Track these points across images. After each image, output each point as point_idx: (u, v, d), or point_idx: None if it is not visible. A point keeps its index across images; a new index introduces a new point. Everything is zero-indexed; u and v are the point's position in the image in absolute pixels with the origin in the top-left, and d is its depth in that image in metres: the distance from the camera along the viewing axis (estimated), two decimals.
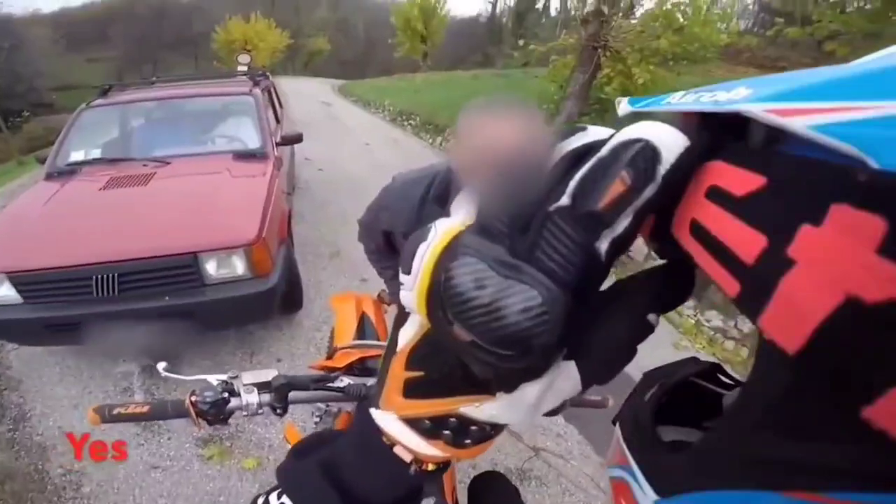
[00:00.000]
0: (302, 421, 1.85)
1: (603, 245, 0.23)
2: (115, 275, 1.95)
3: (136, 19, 33.02)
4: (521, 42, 9.42)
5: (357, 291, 1.60)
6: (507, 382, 0.29)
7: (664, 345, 3.16)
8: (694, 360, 0.39)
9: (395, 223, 1.13)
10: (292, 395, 0.72)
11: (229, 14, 26.63)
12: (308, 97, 12.80)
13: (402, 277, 0.27)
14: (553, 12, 30.58)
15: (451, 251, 0.25)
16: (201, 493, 1.81)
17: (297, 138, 3.29)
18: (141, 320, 1.99)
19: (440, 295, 0.24)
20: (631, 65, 5.90)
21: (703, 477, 0.25)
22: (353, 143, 7.51)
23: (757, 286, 0.20)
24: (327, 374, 0.80)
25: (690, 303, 3.76)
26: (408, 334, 0.31)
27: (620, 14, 6.55)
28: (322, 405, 0.91)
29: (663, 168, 0.23)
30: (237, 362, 2.40)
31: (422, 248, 0.26)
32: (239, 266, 2.04)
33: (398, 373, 0.32)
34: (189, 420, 0.67)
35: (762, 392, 0.23)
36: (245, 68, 5.50)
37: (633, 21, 6.60)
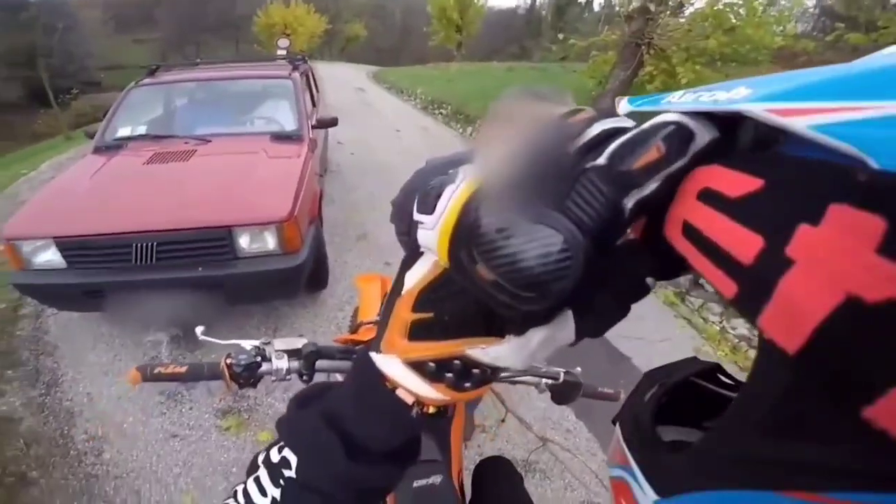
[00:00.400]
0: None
1: (630, 202, 0.24)
2: (154, 244, 2.03)
3: (181, 2, 33.96)
4: (560, 36, 9.23)
5: (382, 273, 1.64)
6: (521, 325, 0.30)
7: (686, 350, 3.11)
8: (694, 360, 0.39)
9: None
10: (319, 363, 0.75)
11: None
12: (343, 82, 12.93)
13: (421, 217, 0.28)
14: (596, 7, 29.82)
15: (479, 193, 0.26)
16: (215, 462, 1.86)
17: (332, 122, 3.35)
18: (174, 289, 2.08)
19: (466, 235, 0.25)
20: (675, 64, 5.71)
21: (703, 477, 0.25)
22: (385, 130, 7.57)
23: (755, 286, 0.20)
24: (352, 346, 0.83)
25: (717, 309, 3.67)
26: (416, 276, 0.32)
27: (668, 12, 6.33)
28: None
29: (695, 147, 0.24)
30: (262, 337, 2.50)
31: (448, 189, 0.27)
32: (270, 241, 2.11)
33: (404, 315, 0.32)
34: (223, 382, 0.71)
35: (762, 392, 0.23)
36: (284, 52, 5.61)
37: (681, 19, 6.36)
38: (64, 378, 2.29)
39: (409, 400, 0.34)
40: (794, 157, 0.20)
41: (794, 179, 0.20)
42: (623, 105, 0.32)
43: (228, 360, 0.70)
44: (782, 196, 0.20)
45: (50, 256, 2.07)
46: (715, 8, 5.91)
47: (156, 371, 0.74)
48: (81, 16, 28.06)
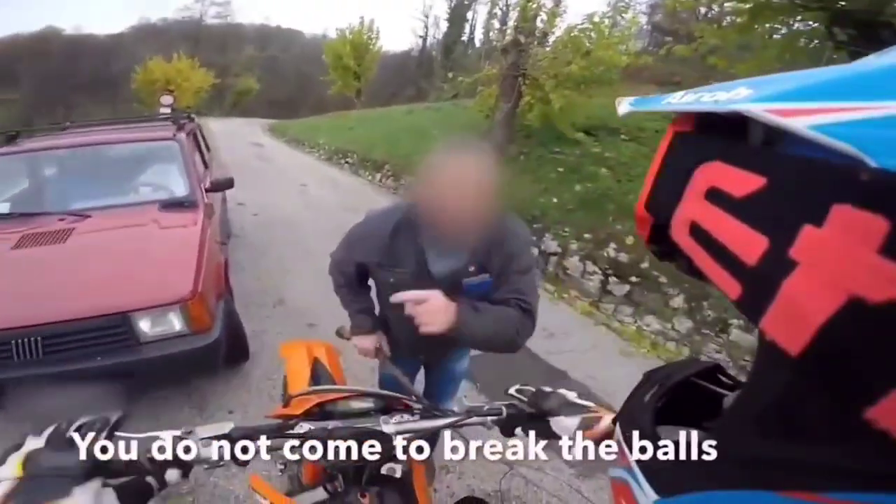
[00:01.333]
0: (265, 469, 1.77)
1: None
2: (38, 338, 1.81)
3: (47, 57, 30.70)
4: (449, 75, 9.72)
5: (306, 338, 1.58)
6: None
7: (612, 353, 3.33)
8: (694, 360, 0.41)
9: (370, 254, 1.22)
10: (253, 445, 0.71)
11: (150, 54, 25.61)
12: (238, 138, 12.48)
13: None
14: (477, 44, 32.16)
15: None
16: None
17: (228, 183, 3.19)
18: (71, 382, 1.84)
19: None
20: (548, 91, 6.26)
21: (703, 477, 0.25)
22: (289, 185, 7.40)
23: (759, 288, 0.20)
24: (286, 421, 0.80)
25: (628, 310, 4.01)
26: None
27: (536, 42, 6.92)
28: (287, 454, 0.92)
29: None
30: (185, 419, 2.26)
31: None
32: (176, 323, 1.95)
33: None
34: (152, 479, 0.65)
35: (762, 392, 0.23)
36: (168, 110, 5.29)
37: (546, 48, 6.92)
38: None
39: None
40: (796, 155, 0.20)
41: (797, 179, 0.20)
42: (623, 106, 0.32)
43: (148, 455, 0.64)
44: (786, 196, 0.20)
45: None
46: (572, 35, 6.56)
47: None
48: None
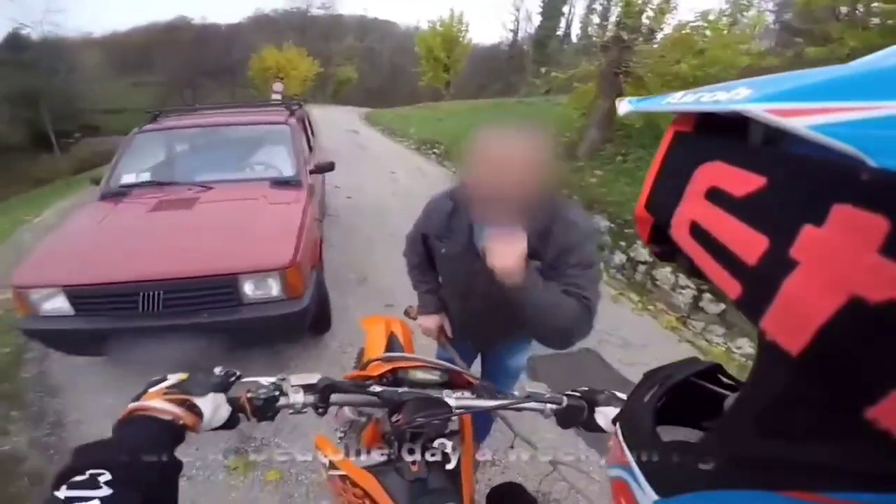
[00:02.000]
0: (327, 435, 1.91)
1: None
2: (160, 292, 2.07)
3: (178, 45, 34.82)
4: (542, 69, 9.53)
5: (384, 314, 1.67)
6: None
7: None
8: (694, 360, 0.40)
9: (431, 227, 1.29)
10: (334, 396, 0.79)
11: (263, 43, 27.81)
12: (337, 125, 13.22)
13: None
14: (574, 39, 31.00)
15: None
16: (223, 502, 1.86)
17: (329, 167, 3.46)
18: (180, 335, 2.10)
19: None
20: (652, 90, 5.92)
21: (703, 477, 0.25)
22: (380, 172, 7.71)
23: (759, 287, 0.20)
24: (362, 381, 0.87)
25: (720, 330, 3.70)
26: None
27: (641, 39, 6.58)
28: (351, 415, 0.98)
29: None
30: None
31: None
32: (274, 287, 2.15)
33: None
34: (242, 415, 0.74)
35: (762, 392, 0.23)
36: (279, 96, 5.77)
37: (654, 46, 6.59)
38: (68, 419, 2.29)
39: None
40: (796, 155, 0.20)
41: (797, 178, 0.20)
42: (623, 105, 0.33)
43: (248, 395, 0.72)
44: (786, 195, 0.20)
45: (58, 304, 2.10)
46: (683, 32, 6.14)
47: None
48: (82, 57, 28.32)
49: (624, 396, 0.85)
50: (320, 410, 0.78)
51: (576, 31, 31.58)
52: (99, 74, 28.75)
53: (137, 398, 0.62)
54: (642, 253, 4.60)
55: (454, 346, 1.45)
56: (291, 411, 0.76)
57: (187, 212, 2.59)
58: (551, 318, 1.07)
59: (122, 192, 2.93)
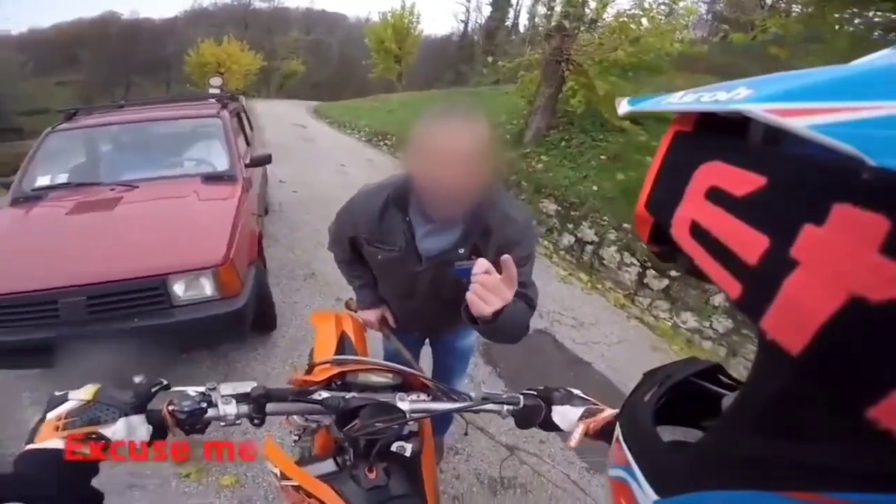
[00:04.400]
0: (280, 438, 1.85)
1: None
2: (83, 298, 1.94)
3: (107, 41, 32.57)
4: (489, 59, 9.58)
5: (336, 309, 1.62)
6: None
7: (642, 348, 3.25)
8: (694, 360, 0.40)
9: (360, 229, 1.19)
10: (270, 406, 0.74)
11: (201, 37, 26.57)
12: (283, 119, 12.80)
13: None
14: (522, 29, 31.40)
15: None
16: None
17: (266, 159, 3.32)
18: (109, 342, 1.97)
19: None
20: (592, 77, 6.10)
21: (703, 477, 0.25)
22: (329, 165, 7.56)
23: (759, 287, 0.20)
24: (306, 387, 0.82)
25: (665, 305, 3.88)
26: None
27: (583, 28, 6.76)
28: (300, 421, 0.93)
29: None
30: (210, 382, 2.40)
31: None
32: (207, 287, 2.05)
33: None
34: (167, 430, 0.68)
35: (762, 392, 0.23)
36: (217, 90, 5.50)
37: (594, 35, 6.80)
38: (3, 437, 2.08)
39: None
40: (796, 155, 0.20)
41: (797, 178, 0.20)
42: (623, 106, 0.32)
43: (171, 407, 0.68)
44: (787, 195, 0.20)
45: None
46: (620, 20, 6.34)
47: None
48: None
49: (579, 393, 0.85)
50: (255, 422, 0.73)
51: (524, 21, 31.99)
52: (16, 74, 26.50)
53: (33, 433, 0.56)
54: (588, 234, 4.75)
55: (399, 335, 1.41)
56: (223, 423, 0.71)
57: (109, 213, 2.42)
58: (513, 330, 1.04)
59: (35, 196, 2.71)
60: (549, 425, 0.84)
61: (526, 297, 1.08)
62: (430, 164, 0.92)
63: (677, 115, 0.30)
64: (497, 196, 1.09)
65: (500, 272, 1.01)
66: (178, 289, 2.02)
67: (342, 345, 1.33)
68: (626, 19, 6.30)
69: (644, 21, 6.21)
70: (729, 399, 0.35)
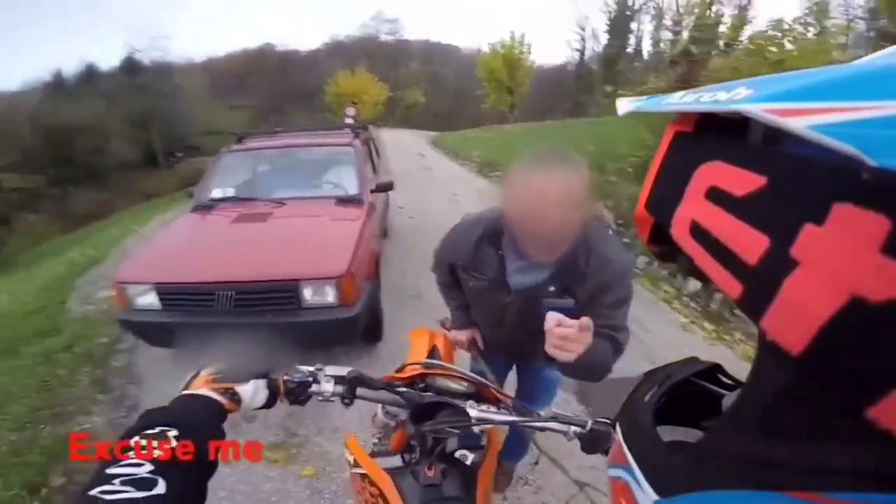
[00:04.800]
0: (364, 440, 2.00)
1: None
2: (233, 293, 2.34)
3: (265, 71, 37.82)
4: (608, 88, 9.26)
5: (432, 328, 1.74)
6: None
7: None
8: (694, 360, 0.40)
9: (458, 256, 1.26)
10: (360, 390, 0.84)
11: (338, 68, 29.24)
12: (405, 148, 13.65)
13: None
14: (645, 56, 29.89)
15: None
16: (258, 491, 2.00)
17: (389, 186, 3.69)
18: (246, 333, 2.33)
19: None
20: None
21: (703, 477, 0.25)
22: (442, 193, 7.87)
23: (760, 287, 0.20)
24: (392, 382, 0.91)
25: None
26: None
27: (714, 53, 6.28)
28: (383, 418, 1.03)
29: None
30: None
31: None
32: (330, 294, 2.35)
33: None
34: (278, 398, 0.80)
35: (763, 392, 0.23)
36: (352, 120, 6.15)
37: (727, 59, 6.27)
38: (143, 404, 2.55)
39: None
40: (796, 155, 0.20)
41: (797, 178, 0.20)
42: (623, 105, 0.33)
43: (285, 377, 0.79)
44: (787, 195, 0.20)
45: (149, 299, 2.44)
46: (757, 42, 5.81)
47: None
48: (183, 82, 31.36)
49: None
50: (346, 401, 0.83)
51: (647, 47, 30.50)
52: (199, 98, 31.63)
53: (186, 386, 0.72)
54: None
55: (486, 358, 1.45)
56: (321, 398, 0.81)
57: (262, 224, 2.90)
58: (595, 370, 1.05)
59: (210, 205, 3.32)
60: None
61: (614, 339, 1.07)
62: (523, 207, 0.95)
63: (677, 116, 0.30)
64: (595, 237, 1.09)
65: (593, 315, 1.02)
66: (307, 293, 2.34)
67: (432, 356, 1.39)
68: (762, 42, 5.74)
69: (787, 43, 5.60)
70: (729, 399, 0.34)
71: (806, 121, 0.18)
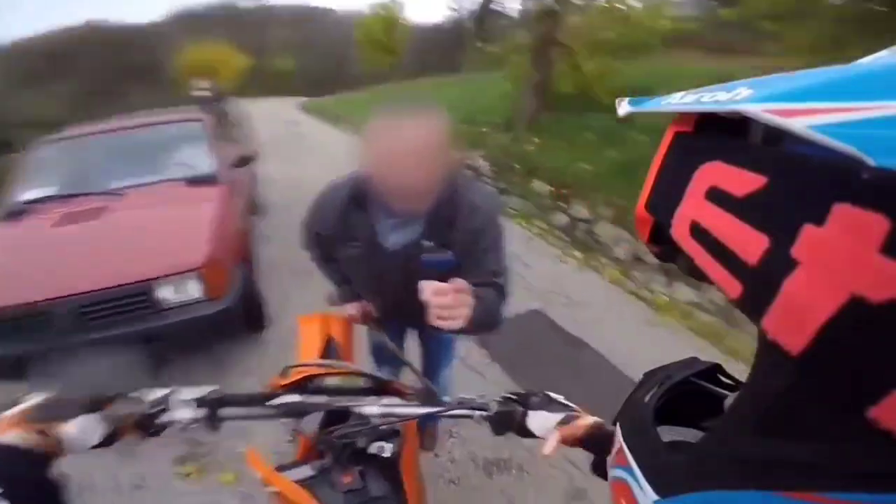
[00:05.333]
0: (265, 443, 1.89)
1: None
2: (72, 308, 1.97)
3: (96, 49, 32.40)
4: (479, 45, 9.47)
5: (326, 312, 1.56)
6: None
7: (638, 323, 3.23)
8: (694, 360, 0.40)
9: (326, 226, 1.19)
10: (226, 411, 0.74)
11: (189, 39, 26.49)
12: (275, 118, 12.71)
13: None
14: (515, 13, 30.78)
15: None
16: None
17: (249, 159, 3.32)
18: (102, 350, 2.01)
19: None
20: (582, 59, 6.06)
21: (703, 477, 0.25)
22: (322, 160, 7.49)
23: (760, 287, 0.20)
24: (272, 391, 0.81)
25: (662, 279, 3.79)
26: None
27: (570, 11, 6.70)
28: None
29: None
30: (207, 383, 2.41)
31: None
32: (192, 289, 2.07)
33: None
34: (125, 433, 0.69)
35: (763, 392, 0.23)
36: (204, 93, 5.48)
37: (583, 16, 6.75)
38: None
39: None
40: (796, 155, 0.20)
41: (797, 178, 0.20)
42: (623, 106, 0.32)
43: (126, 411, 0.68)
44: (787, 195, 0.20)
45: None
46: (608, 2, 6.34)
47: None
48: None
49: (559, 398, 0.82)
50: (213, 427, 0.73)
51: (517, 4, 31.40)
52: (4, 86, 26.38)
53: None
54: (582, 211, 4.74)
55: (384, 327, 1.41)
56: (179, 426, 0.71)
57: (95, 222, 2.44)
58: (486, 322, 1.03)
59: (24, 210, 2.73)
60: (525, 432, 0.80)
61: (497, 284, 1.07)
62: (382, 161, 0.91)
63: (677, 116, 0.30)
64: (460, 186, 1.08)
65: (471, 264, 1.04)
66: (165, 292, 2.05)
67: (328, 348, 1.29)
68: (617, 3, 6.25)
69: (632, 2, 6.15)
70: (729, 399, 0.35)
71: (806, 121, 0.18)
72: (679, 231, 0.26)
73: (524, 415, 0.80)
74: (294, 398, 0.78)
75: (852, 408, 0.17)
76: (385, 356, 1.61)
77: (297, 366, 0.90)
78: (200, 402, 0.72)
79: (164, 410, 0.70)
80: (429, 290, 0.87)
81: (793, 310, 0.19)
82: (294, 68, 34.50)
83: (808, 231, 0.18)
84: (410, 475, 0.84)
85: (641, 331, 3.14)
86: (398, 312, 1.41)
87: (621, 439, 0.34)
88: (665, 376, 0.38)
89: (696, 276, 0.28)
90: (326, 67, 36.50)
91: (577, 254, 4.31)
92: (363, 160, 0.97)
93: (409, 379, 1.01)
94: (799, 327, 0.18)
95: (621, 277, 3.97)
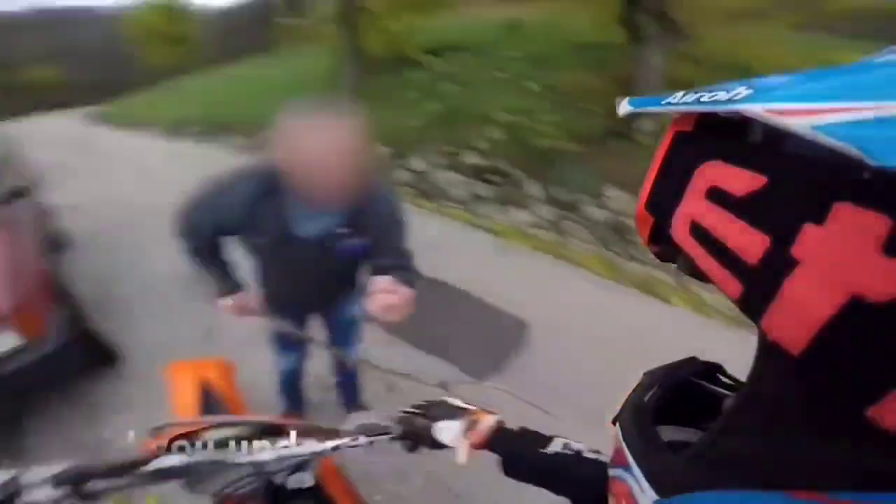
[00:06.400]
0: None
1: None
2: None
3: None
4: (284, 20, 8.92)
5: (196, 359, 1.42)
6: None
7: (487, 253, 3.53)
8: (694, 360, 0.40)
9: (227, 222, 1.14)
10: (92, 485, 0.64)
11: None
12: (56, 136, 10.43)
13: None
14: None
15: None
16: None
17: (23, 191, 2.72)
18: None
19: None
20: (382, 18, 6.18)
21: (703, 477, 0.25)
22: (128, 172, 6.56)
23: (760, 287, 0.20)
24: (145, 456, 0.70)
25: (498, 208, 4.25)
26: None
27: None
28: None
29: None
30: (80, 428, 2.15)
31: None
32: (8, 339, 1.80)
33: None
34: None
35: (763, 392, 0.23)
36: None
37: None
38: None
39: None
40: (796, 154, 0.20)
41: (798, 178, 0.20)
42: (623, 106, 0.32)
43: None
44: (787, 194, 0.20)
45: None
46: None
47: None
48: None
49: (457, 401, 0.80)
50: (85, 503, 0.63)
51: None
52: None
53: None
54: (417, 163, 5.03)
55: (281, 312, 1.40)
56: None
57: None
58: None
59: None
60: (436, 444, 0.76)
61: (410, 265, 1.19)
62: (308, 162, 0.94)
63: (677, 116, 0.29)
64: (372, 176, 1.12)
65: (383, 250, 1.15)
66: None
67: (206, 400, 1.17)
68: None
69: None
70: (729, 399, 0.35)
71: (806, 121, 0.18)
72: (679, 231, 0.26)
73: (431, 428, 0.77)
74: (172, 460, 0.68)
75: (852, 407, 0.17)
76: (288, 343, 1.60)
77: (168, 425, 0.79)
78: (58, 481, 0.61)
79: (15, 495, 0.59)
80: (380, 285, 0.96)
81: (793, 310, 0.19)
82: (63, 78, 28.32)
83: (809, 230, 0.18)
84: (340, 490, 0.83)
85: (492, 259, 3.48)
86: (307, 297, 1.44)
87: (621, 439, 0.34)
88: (665, 376, 0.38)
89: (697, 275, 0.28)
90: (102, 70, 30.62)
91: (425, 202, 4.60)
92: (284, 156, 0.97)
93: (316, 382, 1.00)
94: (799, 327, 0.18)
95: (466, 215, 4.36)
